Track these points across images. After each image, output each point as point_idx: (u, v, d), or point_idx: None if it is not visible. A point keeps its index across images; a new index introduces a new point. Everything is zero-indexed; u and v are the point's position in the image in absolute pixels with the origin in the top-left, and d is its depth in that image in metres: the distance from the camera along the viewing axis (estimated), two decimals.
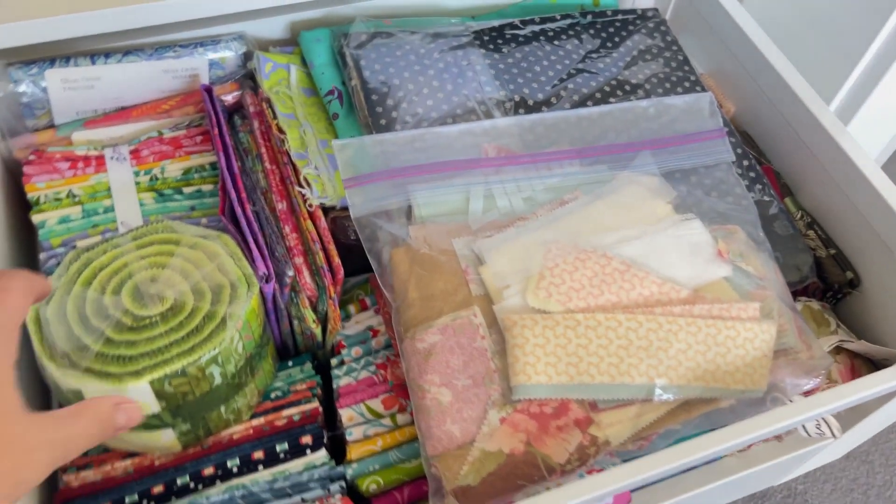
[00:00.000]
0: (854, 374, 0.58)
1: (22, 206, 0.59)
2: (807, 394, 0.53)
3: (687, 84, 0.68)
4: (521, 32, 0.68)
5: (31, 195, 0.57)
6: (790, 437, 0.60)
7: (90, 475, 0.50)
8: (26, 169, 0.58)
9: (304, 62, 0.64)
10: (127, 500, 0.48)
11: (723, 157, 0.62)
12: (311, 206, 0.56)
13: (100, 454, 0.50)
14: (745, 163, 0.64)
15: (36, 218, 0.56)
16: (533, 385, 0.48)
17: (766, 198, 0.62)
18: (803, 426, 0.56)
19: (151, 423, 0.47)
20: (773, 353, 0.52)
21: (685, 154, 0.61)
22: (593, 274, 0.51)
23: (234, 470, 0.50)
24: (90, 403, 0.40)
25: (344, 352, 0.55)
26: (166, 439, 0.48)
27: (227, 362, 0.47)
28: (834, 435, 0.56)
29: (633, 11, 0.72)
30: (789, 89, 0.64)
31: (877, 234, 0.59)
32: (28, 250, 0.59)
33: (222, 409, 0.49)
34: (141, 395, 0.44)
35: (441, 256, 0.53)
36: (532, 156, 0.59)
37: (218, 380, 0.47)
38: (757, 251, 0.57)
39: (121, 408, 0.41)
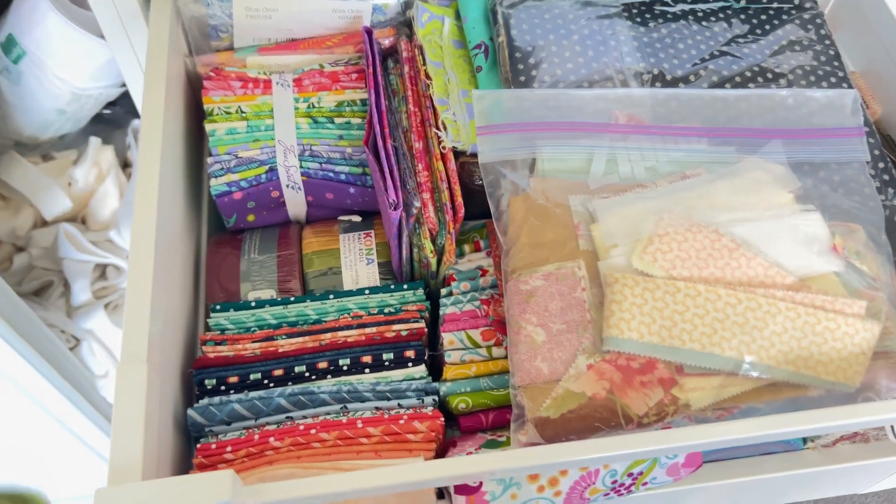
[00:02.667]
0: None
1: (198, 116, 0.67)
2: None
3: (833, 80, 0.67)
4: (671, 10, 0.69)
5: (207, 106, 0.65)
6: (880, 442, 0.60)
7: (224, 350, 0.58)
8: (206, 83, 0.66)
9: (458, 15, 0.69)
10: (251, 376, 0.56)
11: (857, 155, 0.61)
12: (444, 147, 0.61)
13: (235, 335, 0.58)
14: (881, 165, 0.63)
15: (208, 126, 0.64)
16: (624, 339, 0.51)
17: None
18: (893, 430, 0.56)
19: None
20: (874, 354, 0.52)
21: (818, 147, 0.61)
22: (702, 247, 0.53)
23: (345, 368, 0.56)
24: None
25: (454, 284, 0.60)
26: None
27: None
28: None
29: (789, 0, 0.71)
30: None
31: None
32: (198, 154, 0.68)
33: None
34: None
35: (556, 209, 0.56)
36: (661, 128, 0.61)
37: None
38: (875, 253, 0.56)
39: None
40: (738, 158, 0.60)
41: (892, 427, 0.55)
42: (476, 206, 0.63)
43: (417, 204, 0.58)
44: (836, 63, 0.68)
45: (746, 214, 0.55)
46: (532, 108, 0.61)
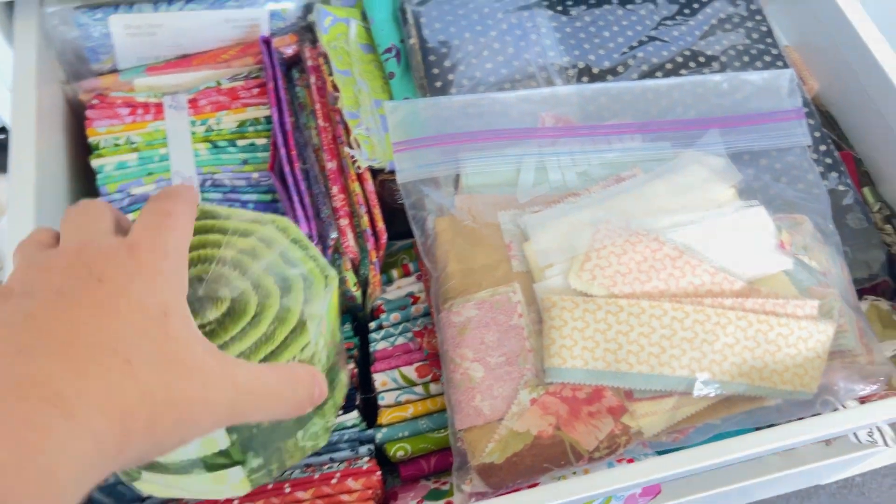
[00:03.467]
0: None
1: (84, 150, 0.60)
2: (862, 400, 0.51)
3: (768, 58, 0.63)
4: None
5: (91, 139, 0.58)
6: (839, 441, 0.57)
7: None
8: (88, 113, 0.59)
9: (365, 16, 0.63)
10: None
11: (798, 140, 0.58)
12: (359, 168, 0.55)
13: None
14: (823, 147, 0.60)
15: (95, 163, 0.57)
16: (568, 369, 0.47)
17: (841, 187, 0.58)
18: (855, 433, 0.53)
19: (216, 462, 0.37)
20: (830, 355, 0.49)
21: (757, 135, 0.58)
22: (643, 258, 0.49)
23: None
24: (290, 365, 0.35)
25: (383, 316, 0.55)
26: (233, 479, 0.39)
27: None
28: (887, 444, 0.53)
29: None
30: (879, 68, 0.59)
31: None
32: (87, 194, 0.61)
33: (300, 434, 0.41)
34: None
35: (485, 229, 0.52)
36: (591, 128, 0.57)
37: None
38: (824, 244, 0.53)
39: (317, 379, 0.35)
40: (674, 153, 0.56)
41: (855, 433, 0.53)
42: (403, 225, 0.57)
43: (334, 234, 0.52)
44: (768, 40, 0.64)
45: (687, 217, 0.52)
46: (452, 118, 0.55)
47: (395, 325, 0.55)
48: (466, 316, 0.49)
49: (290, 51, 0.63)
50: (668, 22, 0.64)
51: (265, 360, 0.36)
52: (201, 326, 0.36)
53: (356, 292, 0.54)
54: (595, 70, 0.60)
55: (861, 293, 0.58)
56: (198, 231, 0.38)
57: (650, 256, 0.49)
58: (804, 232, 0.53)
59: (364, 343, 0.55)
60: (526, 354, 0.48)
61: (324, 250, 0.52)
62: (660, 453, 0.49)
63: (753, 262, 0.51)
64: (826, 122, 0.65)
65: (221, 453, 0.37)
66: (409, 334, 0.54)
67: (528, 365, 0.48)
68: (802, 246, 0.52)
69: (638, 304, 0.48)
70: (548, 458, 0.46)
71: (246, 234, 0.40)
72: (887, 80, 0.58)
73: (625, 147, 0.56)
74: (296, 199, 0.52)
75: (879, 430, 0.53)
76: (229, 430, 0.36)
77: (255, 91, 0.61)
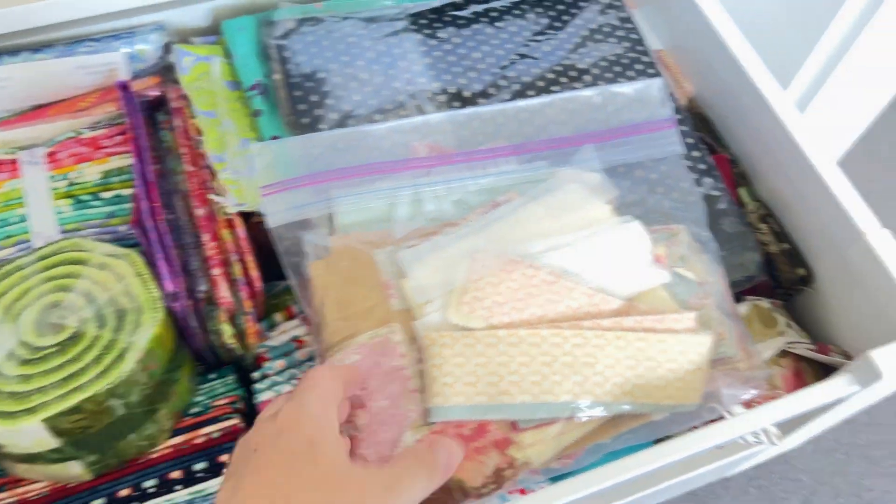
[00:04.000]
0: (798, 378, 0.56)
1: None
2: (746, 404, 0.52)
3: (639, 66, 0.64)
4: (463, 14, 0.64)
5: None
6: (729, 444, 0.58)
7: (5, 497, 0.49)
8: None
9: (228, 53, 0.61)
10: None
11: (672, 149, 0.59)
12: (227, 214, 0.54)
13: (7, 478, 0.50)
14: (696, 153, 0.60)
15: None
16: (450, 407, 0.47)
17: (714, 192, 0.59)
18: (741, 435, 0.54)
19: (53, 457, 0.46)
20: (711, 363, 0.50)
21: (631, 146, 0.58)
22: (519, 286, 0.49)
23: (151, 491, 0.49)
24: (415, 450, 0.42)
25: (266, 365, 0.54)
26: (75, 470, 0.47)
27: (129, 393, 0.46)
28: (773, 442, 0.54)
29: None
30: (743, 71, 0.60)
31: (828, 231, 0.56)
32: None
33: (132, 437, 0.48)
34: (35, 433, 0.43)
35: (362, 270, 0.50)
36: (465, 154, 0.56)
37: (121, 410, 0.46)
38: (700, 254, 0.54)
39: (443, 447, 0.43)
40: (551, 172, 0.56)
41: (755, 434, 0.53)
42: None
43: (204, 287, 0.51)
44: (639, 48, 0.65)
45: (563, 239, 0.51)
46: (321, 155, 0.54)
47: (280, 372, 0.53)
48: (349, 363, 0.48)
49: (153, 93, 0.60)
50: (540, 37, 0.64)
51: (89, 382, 0.44)
52: (45, 349, 0.45)
53: (235, 344, 0.52)
54: (466, 94, 0.60)
55: (741, 294, 0.59)
56: (65, 262, 0.49)
57: (526, 283, 0.49)
58: (681, 243, 0.54)
59: (251, 394, 0.54)
60: (409, 395, 0.47)
61: (195, 305, 0.51)
62: (553, 479, 0.49)
63: (631, 279, 0.51)
64: (702, 125, 0.66)
65: (56, 450, 0.45)
66: (296, 381, 0.53)
67: (412, 406, 0.47)
68: (679, 257, 0.53)
69: (516, 334, 0.47)
70: (435, 500, 0.45)
71: (102, 268, 0.48)
72: (749, 81, 0.59)
73: (500, 171, 0.56)
74: (159, 254, 0.50)
75: (765, 431, 0.54)
76: (56, 434, 0.44)
77: (119, 139, 0.59)
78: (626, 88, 0.60)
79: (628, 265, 0.51)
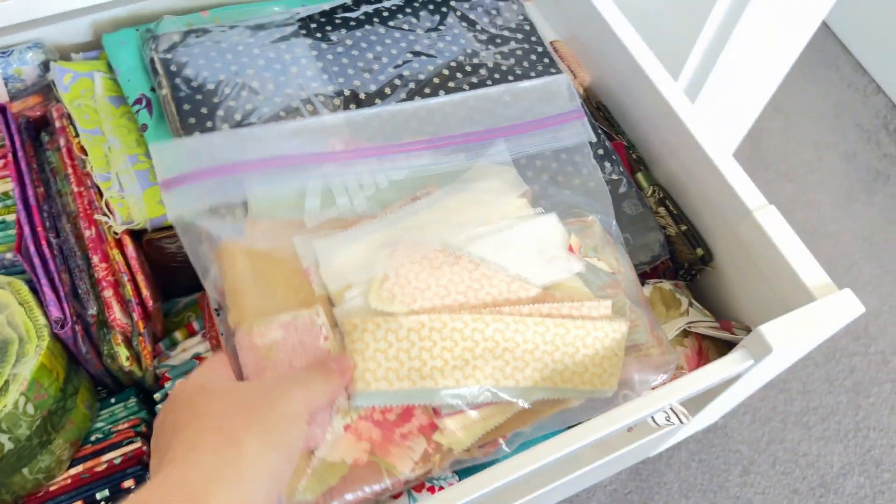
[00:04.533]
0: (701, 356, 0.57)
1: None
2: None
3: (534, 56, 0.64)
4: (354, 15, 0.63)
5: None
6: (640, 426, 0.59)
7: None
8: None
9: (111, 68, 0.59)
10: None
11: (581, 139, 0.59)
12: (116, 233, 0.52)
13: None
14: (594, 140, 0.61)
15: None
16: (373, 392, 0.46)
17: (615, 176, 0.60)
18: (651, 417, 0.55)
19: None
20: (625, 350, 0.51)
21: (543, 139, 0.58)
22: (441, 273, 0.49)
23: None
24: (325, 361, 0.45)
25: (168, 385, 0.53)
26: None
27: (14, 427, 0.44)
28: (682, 421, 0.55)
29: None
30: (634, 61, 0.61)
31: (720, 210, 0.57)
32: None
33: (25, 471, 0.46)
34: None
35: (280, 253, 0.49)
36: (380, 148, 0.55)
37: (9, 445, 0.44)
38: (611, 245, 0.54)
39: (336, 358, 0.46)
40: (467, 166, 0.56)
41: (664, 412, 0.54)
42: (184, 281, 0.55)
43: (93, 310, 0.49)
44: (533, 38, 0.66)
45: (481, 230, 0.51)
46: (225, 147, 0.52)
47: None
48: (271, 338, 0.46)
49: (35, 113, 0.58)
50: (433, 34, 0.64)
51: None
52: None
53: (131, 367, 0.51)
54: (362, 95, 0.59)
55: (645, 276, 0.60)
56: None
57: (448, 271, 0.49)
58: (593, 234, 0.54)
59: (154, 416, 0.53)
60: None
61: (85, 329, 0.49)
62: (461, 474, 0.49)
63: (547, 268, 0.51)
64: (598, 113, 0.67)
65: None
66: None
67: None
68: (592, 247, 0.53)
69: (439, 318, 0.47)
70: (365, 485, 0.45)
71: None
72: (641, 71, 0.60)
73: (412, 165, 0.55)
74: (43, 280, 0.49)
75: (673, 410, 0.55)
76: None
77: (0, 163, 0.57)
78: (535, 84, 0.60)
79: (544, 255, 0.51)
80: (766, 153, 1.40)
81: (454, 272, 0.49)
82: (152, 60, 0.58)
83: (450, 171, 0.56)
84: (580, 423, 0.49)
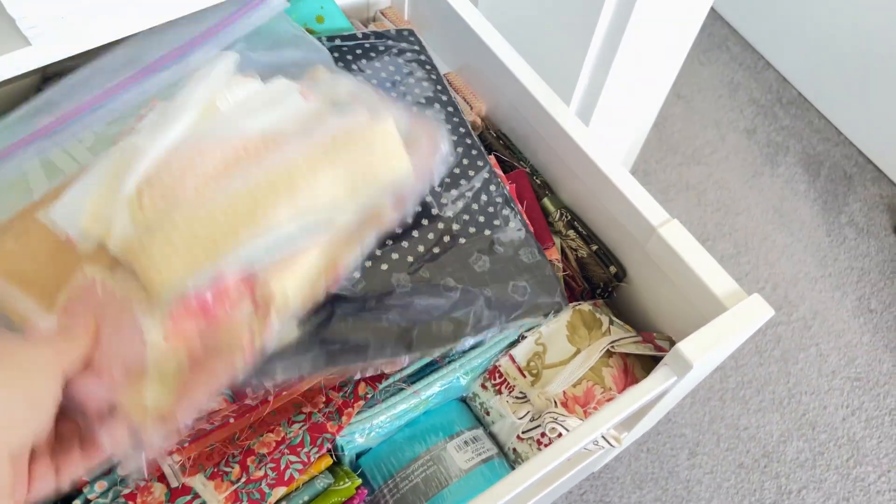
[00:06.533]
0: (628, 373, 0.58)
1: None
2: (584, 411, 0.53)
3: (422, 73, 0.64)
4: None
5: None
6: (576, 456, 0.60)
7: None
8: None
9: None
10: None
11: (272, 12, 0.57)
12: None
13: None
14: (493, 188, 0.60)
15: None
16: (175, 282, 0.42)
17: (511, 223, 0.58)
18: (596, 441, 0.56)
19: None
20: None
21: (238, 26, 0.57)
22: (191, 163, 0.45)
23: None
24: None
25: (86, 489, 0.50)
26: None
27: None
28: (611, 444, 0.56)
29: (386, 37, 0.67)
30: (525, 90, 0.61)
31: (626, 228, 0.58)
32: None
33: None
34: None
35: (37, 243, 0.45)
36: (86, 102, 0.52)
37: None
38: (341, 78, 0.52)
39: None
40: (180, 76, 0.53)
41: (595, 441, 0.54)
42: None
43: None
44: (422, 57, 0.65)
45: (222, 113, 0.48)
46: None
47: (103, 494, 0.50)
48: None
49: None
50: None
51: None
52: None
53: None
54: None
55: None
56: None
57: (198, 159, 0.45)
58: (322, 77, 0.52)
59: None
60: (133, 312, 0.42)
61: None
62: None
63: (288, 118, 0.48)
64: (498, 142, 0.67)
65: None
66: (122, 500, 0.49)
67: (142, 320, 0.42)
68: (327, 87, 0.51)
69: (205, 184, 0.44)
70: (215, 365, 0.42)
71: None
72: (534, 100, 0.61)
73: (124, 102, 0.52)
74: None
75: (604, 437, 0.55)
76: None
77: None
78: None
79: (287, 108, 0.49)
80: (673, 138, 1.44)
81: (203, 156, 0.45)
82: None
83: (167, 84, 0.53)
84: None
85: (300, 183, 0.44)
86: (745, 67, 1.53)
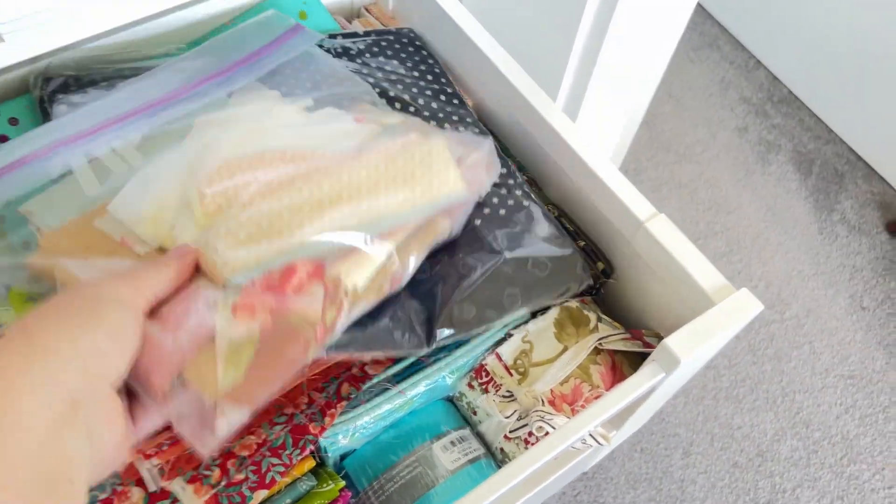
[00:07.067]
0: (615, 371, 0.57)
1: None
2: (572, 409, 0.52)
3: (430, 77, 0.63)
4: None
5: None
6: (564, 455, 0.59)
7: None
8: None
9: None
10: None
11: (305, 46, 0.59)
12: None
13: None
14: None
15: None
16: (241, 268, 0.43)
17: (526, 202, 0.59)
18: (584, 440, 0.55)
19: None
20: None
21: (270, 58, 0.58)
22: (257, 170, 0.47)
23: None
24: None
25: None
26: None
27: None
28: (600, 443, 0.55)
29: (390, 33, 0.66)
30: (511, 86, 0.61)
31: (614, 224, 0.57)
32: None
33: None
34: None
35: (93, 249, 0.46)
36: (133, 112, 0.52)
37: None
38: (388, 110, 0.57)
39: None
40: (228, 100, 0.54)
41: (582, 439, 0.54)
42: None
43: None
44: (431, 61, 0.64)
45: (282, 130, 0.51)
46: None
47: None
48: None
49: None
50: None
51: None
52: None
53: None
54: None
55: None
56: None
57: (277, 166, 0.48)
58: (371, 111, 0.55)
59: None
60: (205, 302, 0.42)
61: None
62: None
63: (347, 140, 0.51)
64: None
65: None
66: None
67: (207, 289, 0.42)
68: (376, 115, 0.55)
69: (275, 197, 0.45)
70: (286, 343, 0.42)
71: None
72: (521, 96, 0.60)
73: (171, 114, 0.52)
74: None
75: (592, 435, 0.55)
76: None
77: None
78: (247, 22, 0.60)
79: (342, 131, 0.52)
80: (664, 136, 1.43)
81: (265, 165, 0.47)
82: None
83: (213, 103, 0.54)
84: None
85: (363, 193, 0.47)
86: (735, 66, 1.53)
